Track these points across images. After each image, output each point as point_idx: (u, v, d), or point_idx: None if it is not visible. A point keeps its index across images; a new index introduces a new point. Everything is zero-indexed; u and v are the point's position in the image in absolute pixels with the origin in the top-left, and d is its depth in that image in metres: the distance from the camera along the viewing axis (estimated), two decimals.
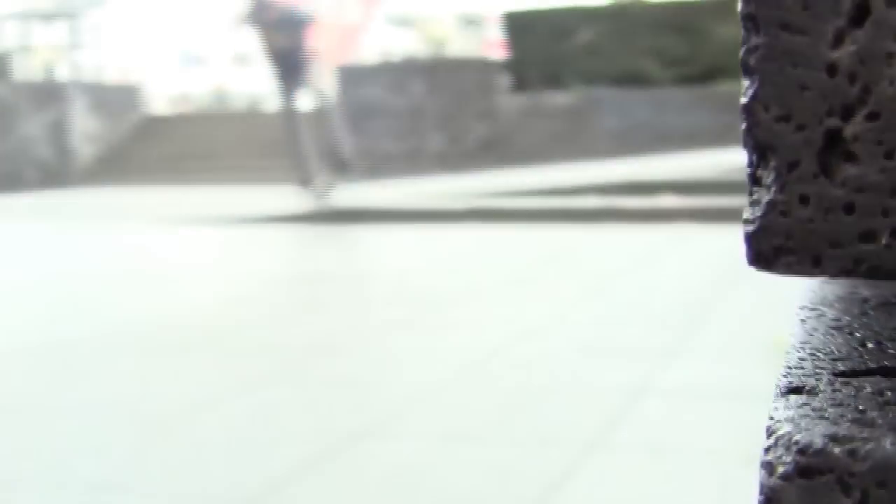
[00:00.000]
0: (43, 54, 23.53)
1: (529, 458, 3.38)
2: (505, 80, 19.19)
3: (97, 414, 4.07)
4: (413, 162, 19.41)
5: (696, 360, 4.63)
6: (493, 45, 21.48)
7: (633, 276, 7.06)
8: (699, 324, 5.35)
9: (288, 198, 12.96)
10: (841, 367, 0.53)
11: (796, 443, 0.47)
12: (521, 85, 19.19)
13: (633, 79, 19.06)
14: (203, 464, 3.40)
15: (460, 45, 20.93)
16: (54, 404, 4.23)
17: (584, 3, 21.03)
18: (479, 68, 19.07)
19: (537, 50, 18.91)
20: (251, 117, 30.35)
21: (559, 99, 18.21)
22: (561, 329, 5.61)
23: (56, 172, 22.38)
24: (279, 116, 10.36)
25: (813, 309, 0.62)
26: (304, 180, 10.44)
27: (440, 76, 18.61)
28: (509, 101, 18.79)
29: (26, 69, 24.39)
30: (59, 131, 22.54)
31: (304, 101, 10.97)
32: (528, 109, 18.56)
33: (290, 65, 9.74)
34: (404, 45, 22.57)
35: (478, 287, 6.81)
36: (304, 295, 6.68)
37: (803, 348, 0.57)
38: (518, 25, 19.39)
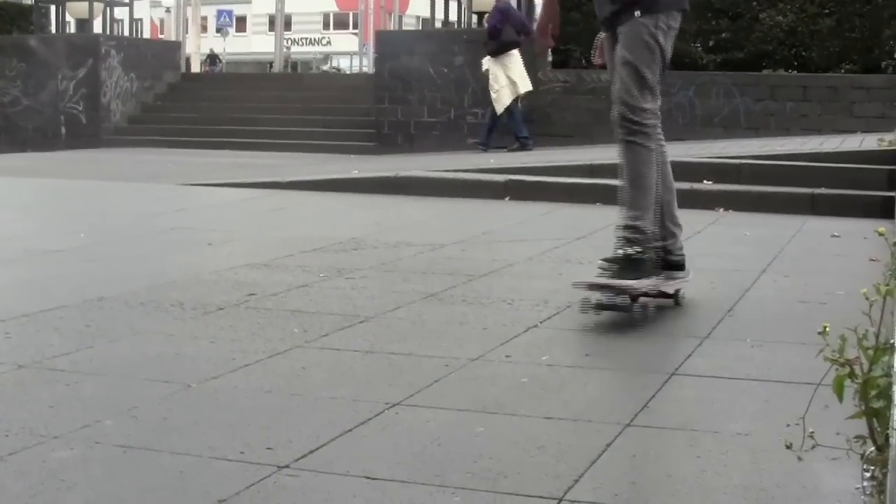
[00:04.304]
0: (79, 8, 23.32)
1: (564, 434, 3.34)
2: (546, 56, 19.01)
3: (128, 374, 4.04)
4: (451, 134, 19.34)
5: (730, 341, 4.59)
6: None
7: None
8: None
9: (322, 164, 12.90)
10: None
11: None
12: (565, 62, 19.06)
13: (676, 62, 18.87)
14: (235, 427, 3.37)
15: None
16: (86, 362, 4.21)
17: None
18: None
19: (582, 26, 18.70)
20: (290, 80, 30.16)
21: (602, 77, 18.01)
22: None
23: (87, 130, 22.20)
24: None
25: None
26: None
27: (482, 47, 18.35)
28: (552, 77, 18.66)
29: (61, 23, 24.25)
30: (91, 88, 22.29)
31: None
32: (571, 87, 18.44)
33: None
34: (449, 13, 22.45)
35: (512, 261, 6.76)
36: (339, 262, 6.64)
37: None
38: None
